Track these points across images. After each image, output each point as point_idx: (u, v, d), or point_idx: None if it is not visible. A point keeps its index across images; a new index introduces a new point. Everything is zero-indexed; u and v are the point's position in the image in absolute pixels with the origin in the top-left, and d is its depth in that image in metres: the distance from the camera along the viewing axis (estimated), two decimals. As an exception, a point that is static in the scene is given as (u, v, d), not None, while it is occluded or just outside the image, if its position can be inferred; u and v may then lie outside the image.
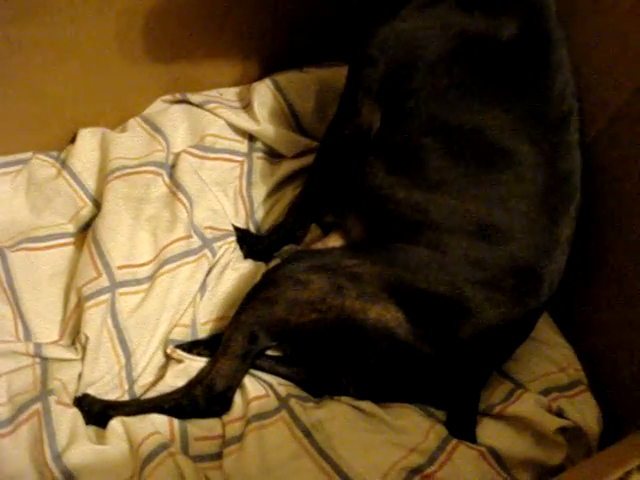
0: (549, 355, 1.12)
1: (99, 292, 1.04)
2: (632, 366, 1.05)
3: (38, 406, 0.95)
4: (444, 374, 1.02)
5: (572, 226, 1.00)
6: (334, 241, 1.13)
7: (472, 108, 0.98)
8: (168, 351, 1.07)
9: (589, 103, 1.04)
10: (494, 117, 0.97)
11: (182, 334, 1.09)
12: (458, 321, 0.97)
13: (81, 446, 0.94)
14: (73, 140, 1.22)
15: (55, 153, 1.22)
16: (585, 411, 1.05)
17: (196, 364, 1.05)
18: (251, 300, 1.02)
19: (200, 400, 1.01)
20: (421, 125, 1.00)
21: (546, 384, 1.08)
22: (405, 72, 1.00)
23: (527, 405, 1.04)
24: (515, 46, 0.98)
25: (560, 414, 1.04)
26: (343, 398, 1.05)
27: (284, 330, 1.01)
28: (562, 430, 1.03)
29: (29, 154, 1.20)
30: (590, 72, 1.06)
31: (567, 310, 1.14)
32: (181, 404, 1.01)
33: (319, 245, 1.14)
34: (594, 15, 1.07)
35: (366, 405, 1.04)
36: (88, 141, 1.20)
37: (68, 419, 0.96)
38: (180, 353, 1.06)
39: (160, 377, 1.05)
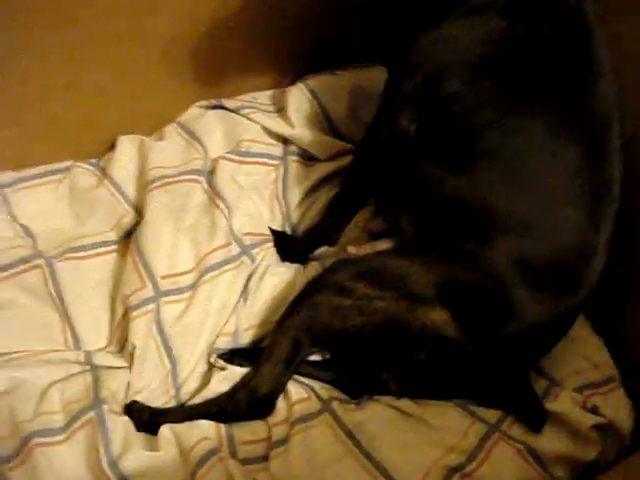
0: (582, 352, 1.14)
1: (145, 302, 1.07)
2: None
3: (92, 414, 0.99)
4: (487, 370, 1.04)
5: (611, 229, 1.01)
6: (383, 244, 1.14)
7: (519, 110, 0.99)
8: (211, 360, 1.09)
9: (626, 105, 1.05)
10: (541, 119, 0.98)
11: (225, 342, 1.12)
12: (503, 318, 0.99)
13: (135, 452, 0.97)
14: (111, 147, 1.25)
15: (94, 160, 1.25)
16: (618, 408, 1.07)
17: (240, 370, 1.08)
18: (296, 306, 1.05)
19: (243, 404, 1.04)
20: (468, 127, 1.02)
21: (580, 381, 1.11)
22: (448, 77, 1.02)
23: (564, 403, 1.06)
24: (558, 49, 0.99)
25: (594, 411, 1.07)
26: (382, 399, 1.08)
27: (328, 335, 1.03)
28: (596, 427, 1.05)
29: (69, 163, 1.23)
30: (628, 72, 1.07)
31: (600, 306, 1.14)
32: (225, 409, 1.04)
33: (369, 248, 1.15)
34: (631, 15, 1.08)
35: (405, 404, 1.07)
36: (127, 149, 1.23)
37: (121, 427, 0.99)
38: (222, 362, 1.09)
39: (205, 383, 1.08)
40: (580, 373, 1.12)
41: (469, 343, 0.99)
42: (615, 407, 1.07)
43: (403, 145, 1.08)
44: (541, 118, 0.98)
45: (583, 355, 1.14)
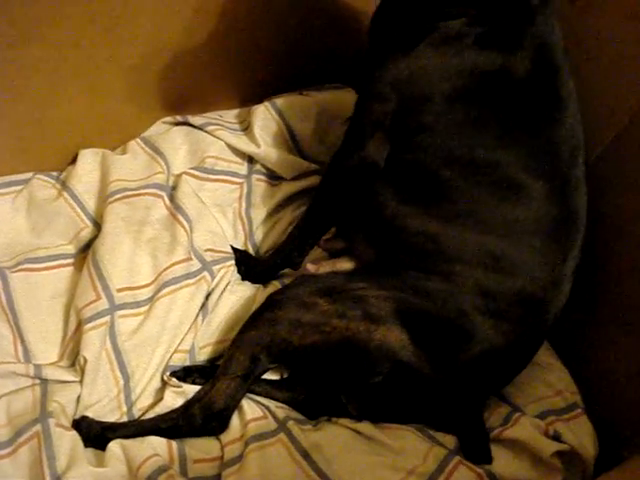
0: (546, 378, 1.13)
1: (98, 315, 1.05)
2: (629, 390, 1.06)
3: (38, 428, 0.95)
4: (445, 397, 1.03)
5: (578, 258, 1.01)
6: (343, 264, 1.14)
7: (487, 143, 0.99)
8: (165, 378, 1.07)
9: (588, 130, 1.05)
10: (509, 153, 0.98)
11: (181, 359, 1.09)
12: (462, 346, 0.98)
13: (80, 468, 0.93)
14: (73, 161, 1.23)
15: (55, 174, 1.23)
16: (581, 435, 1.05)
17: (194, 387, 1.05)
18: (254, 321, 1.03)
19: (198, 419, 1.01)
20: (436, 158, 1.01)
21: (543, 407, 1.09)
22: (419, 108, 1.01)
23: (524, 429, 1.04)
24: (528, 83, 0.99)
25: (557, 438, 1.05)
26: (341, 420, 1.06)
27: (286, 351, 1.01)
28: (559, 453, 1.03)
29: (29, 174, 1.21)
30: (589, 99, 1.08)
31: (564, 334, 1.13)
32: (178, 423, 1.01)
33: (328, 266, 1.15)
34: (594, 46, 1.10)
35: (364, 427, 1.05)
36: (89, 162, 1.21)
37: (67, 441, 0.96)
38: (175, 381, 1.06)
39: (159, 399, 1.05)
40: (543, 399, 1.11)
41: (426, 368, 0.98)
42: (578, 434, 1.05)
43: (371, 176, 1.07)
44: (508, 151, 0.98)
45: (546, 382, 1.13)
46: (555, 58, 1.00)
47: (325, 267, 1.15)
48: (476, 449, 1.05)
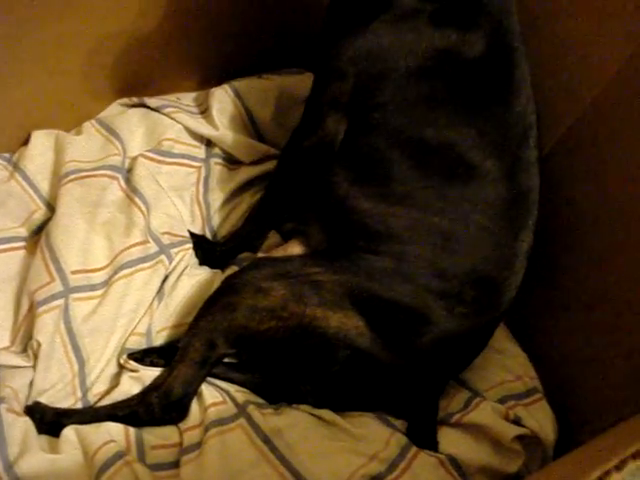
0: (505, 363, 1.14)
1: (52, 297, 1.01)
2: (586, 374, 1.07)
3: (-12, 414, 0.92)
4: (403, 383, 1.02)
5: (530, 239, 1.01)
6: (294, 248, 1.12)
7: (438, 122, 0.98)
8: (121, 361, 1.04)
9: (546, 117, 1.06)
10: (459, 132, 0.98)
11: (137, 343, 1.07)
12: (418, 330, 0.97)
13: (34, 455, 0.90)
14: (26, 143, 1.19)
15: (7, 155, 1.19)
16: (541, 419, 1.06)
17: (151, 372, 1.03)
18: (210, 306, 1.01)
19: (156, 407, 0.98)
20: (388, 138, 1.00)
21: (503, 392, 1.10)
22: (374, 85, 1.00)
23: (484, 413, 1.04)
24: (482, 63, 0.98)
25: (517, 422, 1.05)
26: (302, 406, 1.04)
27: (243, 337, 0.99)
28: (519, 438, 1.03)
29: (-20, 157, 1.17)
30: (547, 86, 1.08)
31: (522, 318, 1.15)
32: (136, 411, 0.99)
33: (279, 252, 1.13)
34: (551, 30, 1.10)
35: (325, 413, 1.03)
36: (41, 143, 1.17)
37: (20, 428, 0.93)
38: (133, 364, 1.04)
39: (115, 385, 1.02)
40: (502, 384, 1.11)
41: (383, 354, 0.97)
42: (538, 419, 1.06)
43: (328, 154, 1.06)
44: (458, 131, 0.98)
45: (505, 367, 1.13)
46: (510, 40, 1.00)
47: (276, 253, 1.13)
48: (423, 434, 1.05)
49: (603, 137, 1.04)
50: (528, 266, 1.02)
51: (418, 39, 0.98)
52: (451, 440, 1.04)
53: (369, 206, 1.01)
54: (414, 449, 1.02)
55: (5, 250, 1.09)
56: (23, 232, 1.11)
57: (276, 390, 1.07)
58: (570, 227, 1.10)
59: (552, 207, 1.06)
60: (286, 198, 1.15)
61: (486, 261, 0.98)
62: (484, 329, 1.04)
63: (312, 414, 1.03)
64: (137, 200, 1.13)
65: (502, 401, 1.08)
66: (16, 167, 1.16)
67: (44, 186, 1.15)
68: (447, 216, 0.97)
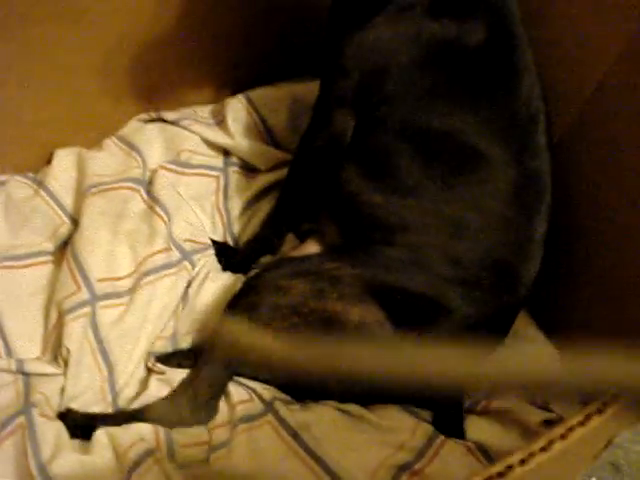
0: (529, 350, 1.13)
1: (79, 305, 1.04)
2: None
3: (21, 419, 0.94)
4: None
5: (544, 225, 1.01)
6: (311, 248, 1.13)
7: (443, 112, 1.00)
8: (149, 364, 1.06)
9: (555, 104, 1.07)
10: (464, 120, 0.99)
11: (163, 346, 1.09)
12: (438, 319, 0.98)
13: (66, 457, 0.92)
14: (50, 161, 1.23)
15: (32, 174, 1.23)
16: (568, 412, 1.05)
17: (178, 375, 1.04)
18: (233, 307, 1.03)
19: (184, 409, 1.00)
20: (394, 130, 1.02)
21: (529, 378, 1.09)
22: (378, 80, 1.02)
23: (511, 399, 1.05)
24: (483, 51, 1.00)
25: (544, 407, 1.05)
26: (328, 402, 1.05)
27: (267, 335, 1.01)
28: (547, 422, 1.03)
29: (6, 176, 1.20)
30: (553, 73, 1.09)
31: (545, 307, 1.15)
32: (165, 413, 1.01)
33: (296, 252, 1.15)
34: (554, 16, 1.12)
35: (352, 407, 1.04)
36: (64, 160, 1.21)
37: (52, 431, 0.95)
38: (160, 366, 1.06)
39: (143, 388, 1.04)
40: (528, 370, 1.11)
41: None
42: (565, 409, 1.06)
43: (339, 151, 1.08)
44: (464, 119, 0.99)
45: (529, 354, 1.12)
46: (511, 26, 1.01)
47: (294, 253, 1.15)
48: (450, 423, 1.05)
49: (613, 119, 1.05)
50: (551, 256, 1.02)
51: (417, 31, 1.00)
52: (478, 427, 1.05)
53: (381, 199, 1.02)
54: (441, 437, 1.03)
55: (33, 264, 1.12)
56: (49, 246, 1.15)
57: (302, 388, 1.07)
58: (587, 216, 1.11)
59: (566, 196, 1.07)
60: (301, 198, 1.17)
61: (500, 245, 0.99)
62: (504, 315, 1.04)
63: (338, 408, 1.04)
64: (158, 210, 1.16)
65: (528, 387, 1.08)
66: (40, 185, 1.19)
67: (68, 201, 1.18)
68: (458, 204, 0.98)
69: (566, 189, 1.06)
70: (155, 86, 1.30)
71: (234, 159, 1.30)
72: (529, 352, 1.14)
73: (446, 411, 1.06)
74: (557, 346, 1.15)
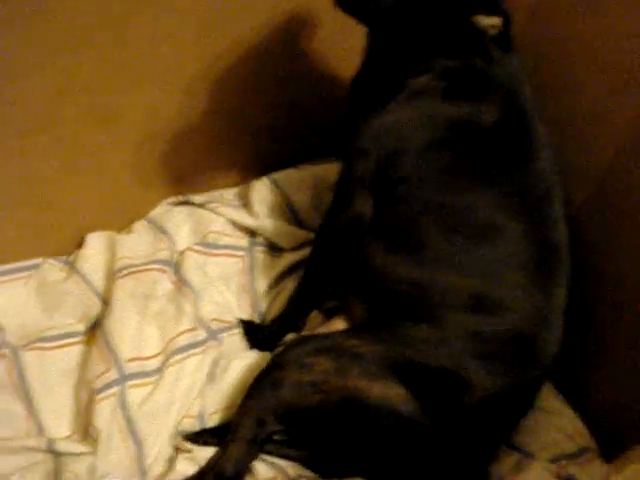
0: (555, 423, 1.13)
1: (109, 385, 1.07)
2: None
3: (52, 499, 0.97)
4: (451, 449, 1.02)
5: (565, 295, 1.03)
6: (337, 324, 1.15)
7: (462, 189, 1.03)
8: (176, 443, 1.08)
9: (570, 177, 1.09)
10: (482, 196, 1.02)
11: (191, 425, 1.11)
12: (460, 394, 0.98)
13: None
14: (81, 245, 1.27)
15: (64, 258, 1.28)
16: (596, 477, 1.04)
17: (205, 453, 1.06)
18: (258, 385, 1.04)
19: None
20: (415, 207, 1.04)
21: (554, 452, 1.09)
22: (397, 161, 1.05)
23: (537, 473, 1.04)
24: (496, 130, 1.03)
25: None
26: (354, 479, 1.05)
27: (290, 413, 1.02)
28: (574, 497, 1.02)
29: (40, 260, 1.25)
30: (567, 146, 1.12)
31: (569, 376, 1.15)
32: None
33: (323, 329, 1.16)
34: (566, 92, 1.16)
35: (378, 485, 1.04)
36: (95, 244, 1.26)
37: (81, 510, 0.97)
38: (187, 445, 1.07)
39: (171, 467, 1.05)
40: (554, 445, 1.10)
41: (428, 421, 0.98)
42: (593, 476, 1.04)
43: (360, 231, 1.10)
44: (482, 195, 1.02)
45: (555, 426, 1.12)
46: (523, 105, 1.05)
47: (320, 330, 1.16)
48: None
49: (629, 192, 1.07)
50: (568, 321, 1.03)
51: (432, 114, 1.04)
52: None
53: (403, 273, 1.04)
54: (468, 516, 1.02)
55: (65, 345, 1.16)
56: (81, 327, 1.18)
57: (328, 465, 1.08)
58: (608, 282, 1.12)
59: (588, 263, 1.09)
60: (324, 277, 1.19)
61: (521, 317, 1.00)
62: (528, 388, 1.04)
63: (365, 486, 1.04)
64: (186, 290, 1.20)
65: (554, 461, 1.07)
66: (72, 267, 1.24)
67: (99, 283, 1.22)
68: (479, 277, 1.00)
69: (583, 260, 1.07)
70: (183, 171, 1.35)
71: (259, 239, 1.33)
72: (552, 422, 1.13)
73: None
74: (580, 413, 1.15)
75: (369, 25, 1.07)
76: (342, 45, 1.19)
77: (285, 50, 1.30)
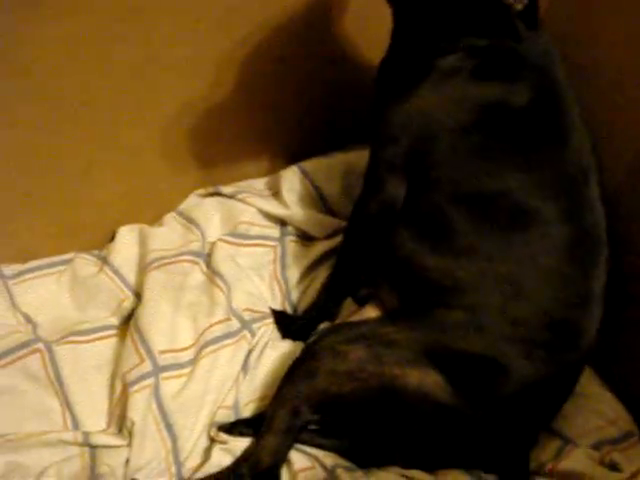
0: (597, 409, 1.11)
1: (143, 377, 1.06)
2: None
3: (88, 491, 0.97)
4: (490, 435, 1.01)
5: (603, 278, 1.01)
6: (370, 312, 1.14)
7: (494, 173, 1.01)
8: (211, 434, 1.07)
9: (607, 157, 1.07)
10: (515, 179, 1.00)
11: (226, 416, 1.10)
12: (498, 379, 0.97)
13: (132, 528, 0.94)
14: (113, 239, 1.28)
15: (96, 252, 1.28)
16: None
17: (240, 443, 1.05)
18: (292, 374, 1.03)
19: (247, 478, 1.00)
20: (446, 193, 1.03)
21: (596, 438, 1.07)
22: (427, 145, 1.04)
23: (579, 460, 1.02)
24: (529, 111, 1.01)
25: (613, 467, 1.02)
26: (392, 468, 1.04)
27: (326, 402, 1.01)
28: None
29: (72, 254, 1.26)
30: (604, 128, 1.10)
31: (611, 361, 1.13)
32: None
33: (355, 317, 1.16)
34: (597, 75, 1.13)
35: (416, 473, 1.03)
36: (127, 237, 1.26)
37: (118, 502, 0.97)
38: (222, 436, 1.06)
39: (207, 458, 1.05)
40: (595, 430, 1.08)
41: (466, 407, 0.97)
42: (637, 462, 1.02)
43: (391, 216, 1.09)
44: (514, 178, 1.00)
45: (597, 412, 1.11)
46: (556, 86, 1.03)
47: (353, 319, 1.16)
48: None
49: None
50: (608, 306, 1.01)
51: (463, 95, 1.02)
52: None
53: (435, 261, 1.03)
54: (508, 502, 1.00)
55: (99, 338, 1.16)
56: (114, 320, 1.18)
57: (364, 454, 1.07)
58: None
59: (623, 246, 1.06)
60: (356, 264, 1.19)
61: (559, 302, 0.98)
62: (567, 373, 1.02)
63: (402, 475, 1.03)
64: (218, 281, 1.19)
65: (596, 447, 1.06)
66: (105, 261, 1.25)
67: (131, 276, 1.22)
68: (512, 262, 0.98)
69: (622, 240, 1.05)
70: (212, 162, 1.35)
71: (290, 229, 1.32)
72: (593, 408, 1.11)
73: (512, 474, 1.04)
74: (622, 398, 1.13)
75: (395, 4, 1.06)
76: (371, 28, 1.17)
77: (313, 35, 1.29)
